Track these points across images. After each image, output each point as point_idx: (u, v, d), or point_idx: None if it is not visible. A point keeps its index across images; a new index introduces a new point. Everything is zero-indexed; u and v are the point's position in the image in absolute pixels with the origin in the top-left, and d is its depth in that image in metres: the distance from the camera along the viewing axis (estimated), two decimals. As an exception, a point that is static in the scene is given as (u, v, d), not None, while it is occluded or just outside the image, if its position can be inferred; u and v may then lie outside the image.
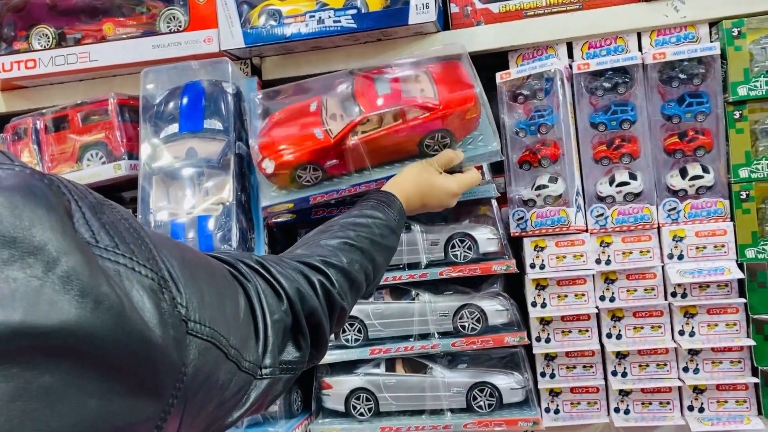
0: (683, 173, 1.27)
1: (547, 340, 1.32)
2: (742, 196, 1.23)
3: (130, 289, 0.42)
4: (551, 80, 1.29)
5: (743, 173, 1.23)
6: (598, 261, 1.29)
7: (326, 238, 0.90)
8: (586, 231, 1.30)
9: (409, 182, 1.12)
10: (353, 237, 0.91)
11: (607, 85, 1.29)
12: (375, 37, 1.35)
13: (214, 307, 0.52)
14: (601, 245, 1.29)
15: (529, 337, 1.31)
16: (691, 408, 1.27)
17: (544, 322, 1.32)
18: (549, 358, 1.32)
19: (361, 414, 1.34)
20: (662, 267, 1.27)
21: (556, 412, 1.32)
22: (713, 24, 1.27)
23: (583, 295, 1.30)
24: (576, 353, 1.31)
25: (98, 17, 1.46)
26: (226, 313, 0.55)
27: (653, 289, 1.27)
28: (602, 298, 1.29)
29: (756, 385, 1.24)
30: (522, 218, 1.32)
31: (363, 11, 1.28)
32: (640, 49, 1.30)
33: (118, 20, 1.44)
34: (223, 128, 1.29)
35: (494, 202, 1.33)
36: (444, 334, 1.33)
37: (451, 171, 1.20)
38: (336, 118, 1.21)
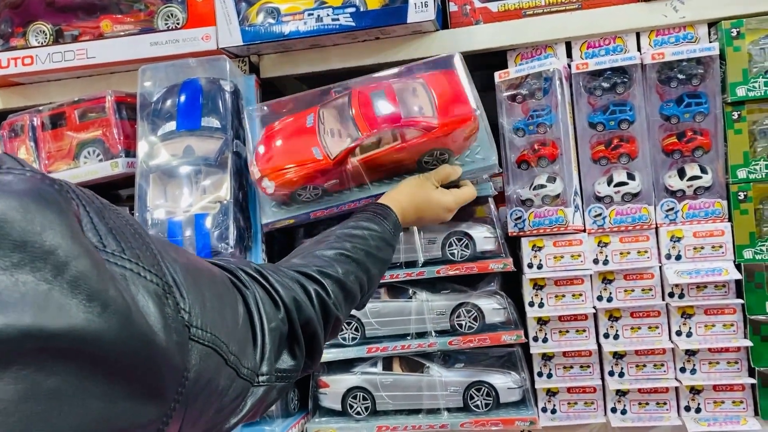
0: (681, 174, 1.27)
1: (545, 340, 1.32)
2: (740, 197, 1.23)
3: (135, 294, 0.43)
4: (550, 80, 1.28)
5: (741, 174, 1.23)
6: (595, 261, 1.29)
7: (322, 248, 0.91)
8: (584, 231, 1.29)
9: (405, 196, 1.12)
10: (349, 248, 0.92)
11: (605, 85, 1.29)
12: (373, 35, 1.35)
13: (215, 314, 0.53)
14: (598, 245, 1.29)
15: (527, 336, 1.31)
16: (687, 408, 1.27)
17: (542, 321, 1.32)
18: (546, 357, 1.32)
19: (358, 413, 1.34)
20: (660, 267, 1.27)
21: (553, 411, 1.32)
22: (712, 24, 1.27)
23: (581, 295, 1.29)
24: (573, 353, 1.31)
25: (96, 14, 1.45)
26: (226, 319, 0.56)
27: (651, 290, 1.27)
28: (600, 298, 1.29)
29: (753, 385, 1.24)
30: (520, 218, 1.31)
31: (361, 9, 1.28)
32: (638, 49, 1.30)
33: (115, 17, 1.44)
34: (220, 126, 1.29)
35: (492, 201, 1.33)
36: (441, 333, 1.33)
37: (448, 185, 1.19)
38: (334, 134, 1.20)
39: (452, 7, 1.35)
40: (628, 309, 1.29)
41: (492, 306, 1.32)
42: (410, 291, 1.35)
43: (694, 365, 1.27)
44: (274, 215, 1.26)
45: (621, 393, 1.29)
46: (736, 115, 1.24)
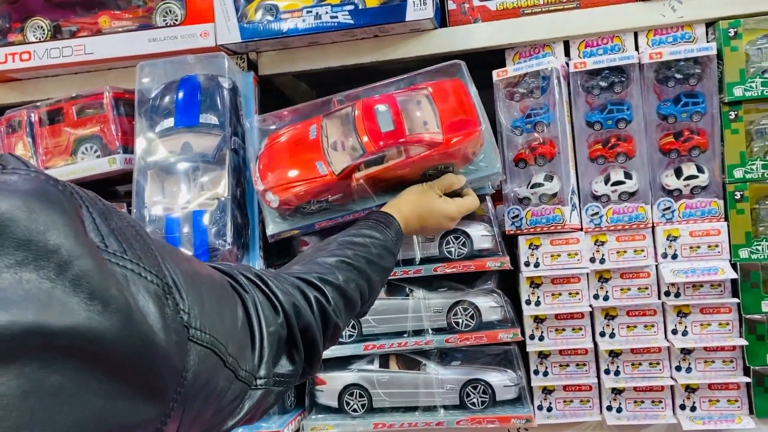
0: (678, 173, 1.27)
1: (541, 338, 1.32)
2: (736, 197, 1.24)
3: (136, 294, 0.44)
4: (548, 78, 1.29)
5: (738, 173, 1.24)
6: (592, 260, 1.29)
7: (323, 255, 0.91)
8: (581, 230, 1.30)
9: (408, 205, 1.13)
10: (350, 256, 0.92)
11: (603, 84, 1.29)
12: (372, 33, 1.35)
13: (213, 316, 0.54)
14: (595, 244, 1.29)
15: (523, 334, 1.31)
16: (683, 407, 1.28)
17: (538, 320, 1.32)
18: (542, 356, 1.33)
19: (354, 410, 1.34)
20: (656, 266, 1.28)
21: (549, 409, 1.32)
22: (710, 24, 1.28)
23: (577, 293, 1.30)
24: (569, 351, 1.31)
25: (94, 10, 1.45)
26: (225, 321, 0.57)
27: (647, 288, 1.28)
28: (596, 297, 1.30)
29: (748, 384, 1.25)
30: (517, 216, 1.32)
31: (360, 7, 1.28)
32: (636, 48, 1.30)
33: (114, 13, 1.44)
34: (218, 123, 1.29)
35: (489, 199, 1.33)
36: (438, 331, 1.34)
37: (451, 194, 1.19)
38: (337, 147, 1.19)
39: (451, 6, 1.35)
40: (624, 307, 1.29)
41: (489, 304, 1.32)
42: (407, 289, 1.35)
43: (689, 364, 1.27)
44: (278, 226, 1.25)
45: (617, 391, 1.30)
46: (733, 114, 1.24)
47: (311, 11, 1.30)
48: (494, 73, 1.33)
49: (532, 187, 1.31)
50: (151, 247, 0.49)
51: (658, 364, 1.28)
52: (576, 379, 1.31)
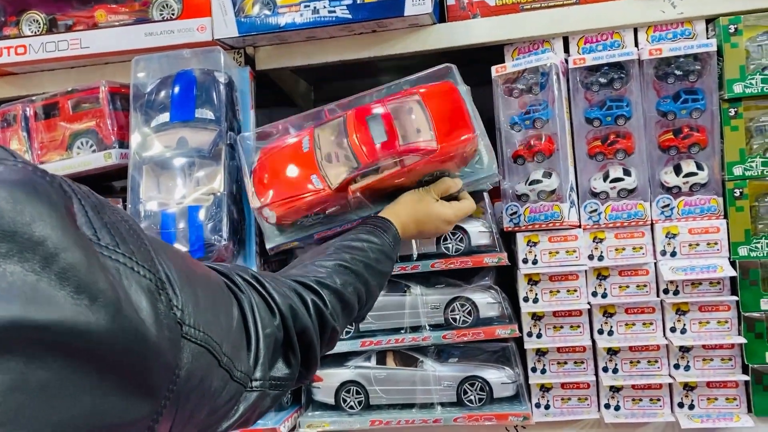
0: (677, 170, 1.27)
1: (539, 336, 1.31)
2: (735, 194, 1.23)
3: (128, 288, 0.43)
4: (547, 74, 1.28)
5: (737, 171, 1.23)
6: (590, 257, 1.28)
7: (321, 259, 0.90)
8: (579, 227, 1.29)
9: (405, 210, 1.12)
10: (348, 260, 0.91)
11: (602, 80, 1.29)
12: (370, 28, 1.34)
13: (208, 314, 0.53)
14: (594, 241, 1.28)
15: (521, 332, 1.31)
16: (681, 405, 1.27)
17: (536, 317, 1.31)
18: (540, 353, 1.32)
19: (351, 407, 1.33)
20: (655, 264, 1.27)
21: (547, 407, 1.32)
22: (710, 21, 1.27)
23: (576, 290, 1.29)
24: (567, 349, 1.31)
25: (90, 4, 1.44)
26: (219, 320, 0.56)
27: (645, 286, 1.27)
28: (594, 294, 1.29)
29: (746, 382, 1.24)
30: (515, 213, 1.31)
31: (358, 2, 1.27)
32: (636, 44, 1.29)
33: (110, 7, 1.42)
34: (214, 118, 1.28)
35: (487, 196, 1.33)
36: (435, 327, 1.33)
37: (447, 197, 1.18)
38: (331, 159, 1.17)
39: (450, 1, 1.34)
40: (622, 305, 1.28)
41: (486, 300, 1.31)
42: (404, 285, 1.34)
43: (687, 362, 1.27)
44: (277, 239, 1.24)
45: (615, 389, 1.29)
46: (732, 111, 1.23)
47: (309, 6, 1.29)
48: (493, 68, 1.33)
49: (530, 184, 1.30)
50: (145, 242, 0.48)
51: (656, 361, 1.28)
52: (574, 377, 1.30)
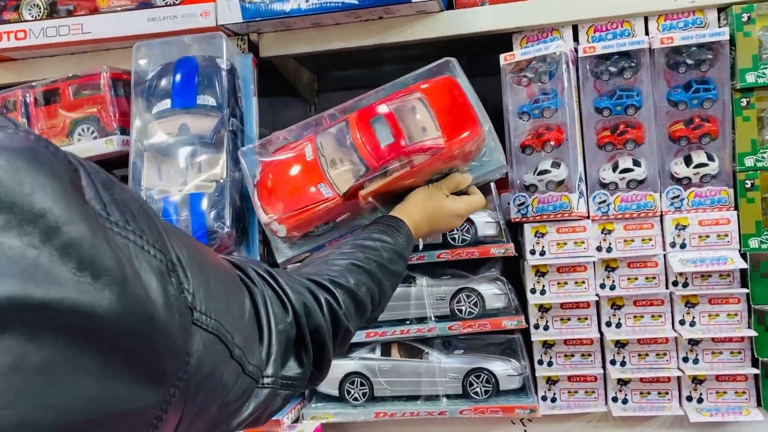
0: (688, 161, 1.25)
1: (546, 328, 1.30)
2: (746, 185, 1.21)
3: (138, 267, 0.40)
4: (556, 63, 1.26)
5: (749, 162, 1.21)
6: (599, 248, 1.27)
7: (334, 258, 0.88)
8: (588, 218, 1.27)
9: (417, 208, 1.09)
10: (361, 259, 0.89)
11: (613, 69, 1.27)
12: (377, 14, 1.32)
13: (220, 301, 0.50)
14: (602, 232, 1.27)
15: (527, 324, 1.29)
16: (689, 398, 1.25)
17: (543, 309, 1.30)
18: (547, 345, 1.30)
19: (355, 399, 1.32)
20: (664, 255, 1.25)
21: (553, 400, 1.30)
22: (722, 9, 1.25)
23: (584, 282, 1.27)
24: (574, 341, 1.29)
25: (92, -12, 1.41)
26: (231, 310, 0.53)
27: (654, 278, 1.26)
28: (602, 286, 1.27)
29: (756, 376, 1.23)
30: (523, 204, 1.29)
31: (365, -13, 1.25)
32: (646, 33, 1.27)
33: (112, -9, 1.40)
34: (216, 104, 1.26)
35: (493, 186, 1.31)
36: (441, 318, 1.31)
37: (456, 192, 1.15)
38: (336, 164, 1.13)
39: (458, -13, 1.32)
40: (631, 297, 1.27)
41: (493, 291, 1.30)
42: (410, 276, 1.32)
43: (696, 355, 1.25)
44: (288, 252, 1.20)
45: (622, 382, 1.27)
46: (744, 102, 1.21)
47: (315, -9, 1.27)
48: (501, 57, 1.31)
49: (538, 174, 1.28)
50: (156, 222, 0.45)
51: (665, 354, 1.26)
52: (581, 370, 1.29)
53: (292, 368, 0.66)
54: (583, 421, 1.29)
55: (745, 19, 1.20)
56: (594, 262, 1.27)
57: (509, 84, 1.31)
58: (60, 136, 1.38)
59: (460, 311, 1.30)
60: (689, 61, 1.24)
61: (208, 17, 1.33)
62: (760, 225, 1.21)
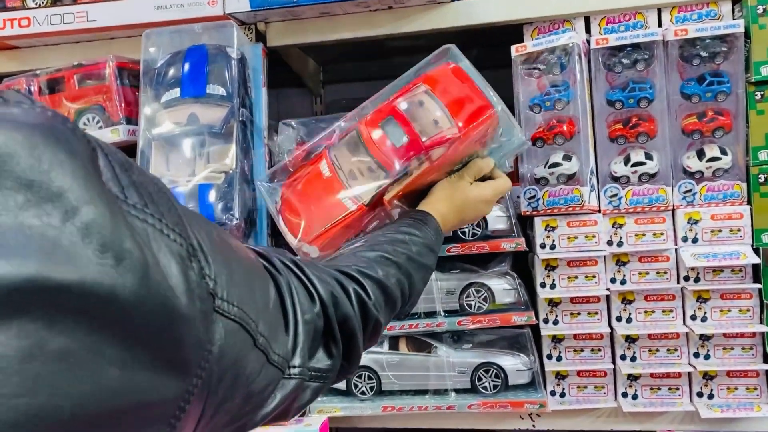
0: (700, 154, 1.24)
1: (555, 322, 1.29)
2: (760, 180, 1.20)
3: (157, 251, 0.38)
4: (568, 55, 1.24)
5: (762, 156, 1.20)
6: (609, 242, 1.25)
7: (362, 250, 0.86)
8: (599, 211, 1.26)
9: (443, 201, 1.07)
10: (390, 251, 0.86)
11: (625, 61, 1.25)
12: (386, 4, 1.30)
13: (243, 288, 0.48)
14: (613, 226, 1.25)
15: (537, 318, 1.28)
16: (700, 394, 1.24)
17: (553, 303, 1.28)
18: (556, 340, 1.29)
19: (363, 392, 1.30)
20: (676, 250, 1.24)
21: (562, 395, 1.29)
22: (736, 1, 1.23)
23: (594, 276, 1.26)
24: (584, 336, 1.28)
25: (97, -25, 1.39)
26: (255, 297, 0.51)
27: (666, 273, 1.24)
28: (613, 281, 1.26)
29: (767, 372, 1.22)
30: (534, 197, 1.28)
31: (376, -24, 1.23)
32: (659, 25, 1.26)
33: (118, -21, 1.38)
34: (226, 94, 1.24)
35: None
36: (450, 313, 1.30)
37: (482, 179, 1.13)
38: (356, 175, 1.11)
39: (469, -23, 1.30)
40: (642, 292, 1.26)
41: (502, 286, 1.29)
42: (419, 269, 1.31)
43: (708, 350, 1.24)
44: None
45: (632, 377, 1.26)
46: (759, 95, 1.20)
47: (324, -21, 1.25)
48: (513, 48, 1.29)
49: (549, 167, 1.26)
50: (175, 206, 0.43)
51: (675, 350, 1.25)
52: (591, 365, 1.28)
53: (321, 360, 0.64)
54: (593, 416, 1.28)
55: (760, 11, 1.19)
56: (605, 257, 1.26)
57: (520, 76, 1.29)
58: (65, 125, 1.36)
59: (470, 306, 1.29)
60: (703, 54, 1.23)
61: (216, 6, 1.31)
62: (774, 220, 1.20)
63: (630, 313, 1.26)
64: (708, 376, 1.24)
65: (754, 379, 1.23)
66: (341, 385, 1.31)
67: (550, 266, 1.28)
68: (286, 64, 1.54)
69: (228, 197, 1.19)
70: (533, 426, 1.29)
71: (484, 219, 1.27)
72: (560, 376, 1.29)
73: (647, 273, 1.25)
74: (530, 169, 1.29)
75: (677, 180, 1.24)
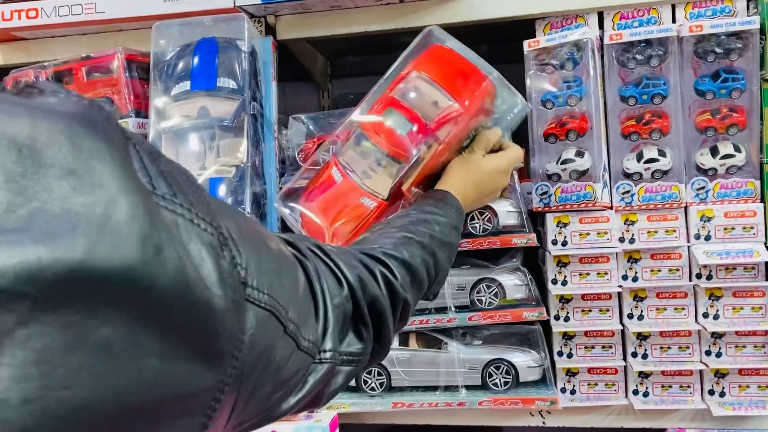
0: (714, 152, 1.23)
1: (566, 319, 1.28)
2: (774, 177, 1.20)
3: (188, 242, 0.38)
4: (581, 50, 1.23)
5: (776, 153, 1.20)
6: (621, 239, 1.25)
7: (384, 234, 0.85)
8: (611, 208, 1.25)
9: (458, 177, 1.07)
10: (414, 231, 0.86)
11: (639, 57, 1.24)
12: (399, -2, 1.29)
13: (272, 276, 0.48)
14: (625, 223, 1.25)
15: (548, 314, 1.27)
16: (711, 392, 1.24)
17: (564, 300, 1.28)
18: (567, 337, 1.29)
19: (373, 389, 1.30)
20: (688, 247, 1.23)
21: (573, 392, 1.29)
22: (752, -2, 1.23)
23: (606, 273, 1.26)
24: (595, 333, 1.27)
25: (106, -34, 1.38)
26: (284, 284, 0.51)
27: (678, 270, 1.24)
28: (625, 278, 1.25)
29: (779, 370, 1.22)
30: (546, 193, 1.27)
31: (389, -31, 1.22)
32: (673, 21, 1.25)
33: (126, -30, 1.37)
34: (237, 87, 1.23)
35: (515, 174, 1.28)
36: (460, 308, 1.29)
37: (492, 151, 1.13)
38: (369, 174, 1.10)
39: (482, -29, 1.29)
40: (654, 289, 1.25)
41: (514, 282, 1.28)
42: (429, 265, 1.30)
43: (719, 348, 1.24)
44: None
45: (643, 375, 1.26)
46: (773, 92, 1.20)
47: (337, -28, 1.24)
48: (525, 43, 1.28)
49: (562, 163, 1.26)
50: (203, 195, 0.43)
51: (687, 347, 1.25)
52: (601, 362, 1.27)
53: (352, 343, 0.63)
54: (604, 413, 1.28)
55: (775, 8, 1.18)
56: (617, 253, 1.25)
57: (533, 71, 1.28)
58: (73, 117, 1.35)
59: (480, 301, 1.28)
60: (718, 50, 1.22)
61: (226, -2, 1.30)
62: (787, 218, 1.19)
63: (642, 311, 1.26)
64: (720, 374, 1.23)
65: (766, 378, 1.22)
66: (351, 382, 1.30)
67: (561, 263, 1.27)
68: (294, 57, 1.53)
69: (239, 191, 1.18)
70: (543, 423, 1.29)
71: (495, 215, 1.26)
72: (571, 373, 1.29)
73: (659, 270, 1.25)
74: (542, 165, 1.28)
75: (690, 177, 1.24)
